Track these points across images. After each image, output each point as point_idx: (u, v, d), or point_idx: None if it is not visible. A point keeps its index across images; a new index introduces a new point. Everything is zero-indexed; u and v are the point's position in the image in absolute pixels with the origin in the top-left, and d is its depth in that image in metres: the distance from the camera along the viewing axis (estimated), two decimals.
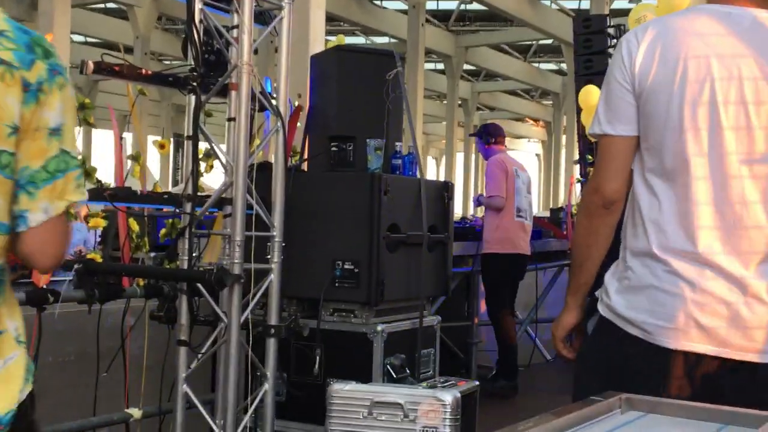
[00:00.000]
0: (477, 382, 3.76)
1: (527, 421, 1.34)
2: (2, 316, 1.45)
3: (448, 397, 3.15)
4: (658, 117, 1.81)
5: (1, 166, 1.39)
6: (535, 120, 38.23)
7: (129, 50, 20.69)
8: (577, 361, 2.03)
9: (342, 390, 3.24)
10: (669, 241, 1.80)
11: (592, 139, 2.34)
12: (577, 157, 8.89)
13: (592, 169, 6.50)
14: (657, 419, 1.47)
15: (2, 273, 1.46)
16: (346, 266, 3.65)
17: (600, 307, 1.93)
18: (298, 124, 4.28)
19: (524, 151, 46.65)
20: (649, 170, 1.85)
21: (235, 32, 3.40)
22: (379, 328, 3.63)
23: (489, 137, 6.04)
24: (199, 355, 3.42)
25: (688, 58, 1.78)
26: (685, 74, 1.78)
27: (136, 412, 3.51)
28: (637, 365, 1.80)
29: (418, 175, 3.97)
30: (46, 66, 1.44)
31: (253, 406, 3.43)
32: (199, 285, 3.33)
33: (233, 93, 3.35)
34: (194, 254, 3.39)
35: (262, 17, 3.67)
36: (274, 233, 3.45)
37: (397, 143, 3.96)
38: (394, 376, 3.63)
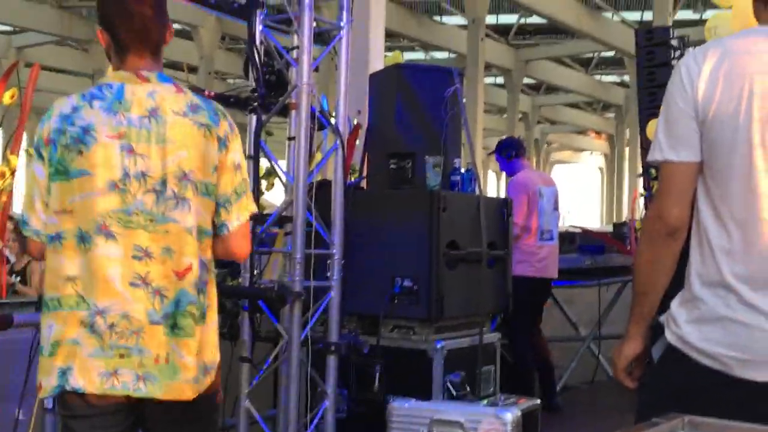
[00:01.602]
0: (538, 400, 3.72)
1: None
2: (213, 295, 2.13)
3: (509, 415, 3.12)
4: (725, 140, 1.77)
5: (209, 192, 2.09)
6: (598, 133, 37.76)
7: (193, 70, 21.15)
8: (642, 390, 1.98)
9: (401, 408, 3.24)
10: (742, 269, 1.76)
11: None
12: (640, 170, 8.75)
13: (656, 182, 6.37)
14: None
15: (210, 264, 2.13)
16: (405, 283, 3.66)
17: (668, 336, 1.88)
18: (357, 142, 4.32)
19: (586, 164, 46.12)
20: (716, 196, 1.81)
21: (295, 53, 3.46)
22: (439, 345, 3.62)
23: (510, 150, 5.65)
24: (261, 372, 3.46)
25: (754, 78, 1.75)
26: (751, 95, 1.74)
27: None
28: (713, 397, 1.75)
29: (477, 192, 3.96)
30: (227, 123, 2.14)
31: (314, 423, 3.45)
32: (261, 302, 3.38)
33: (293, 112, 3.41)
34: (256, 271, 3.44)
35: (322, 37, 3.72)
36: (334, 251, 3.48)
37: (455, 160, 3.96)
38: (454, 393, 3.62)
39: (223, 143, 2.10)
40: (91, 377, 1.98)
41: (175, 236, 2.03)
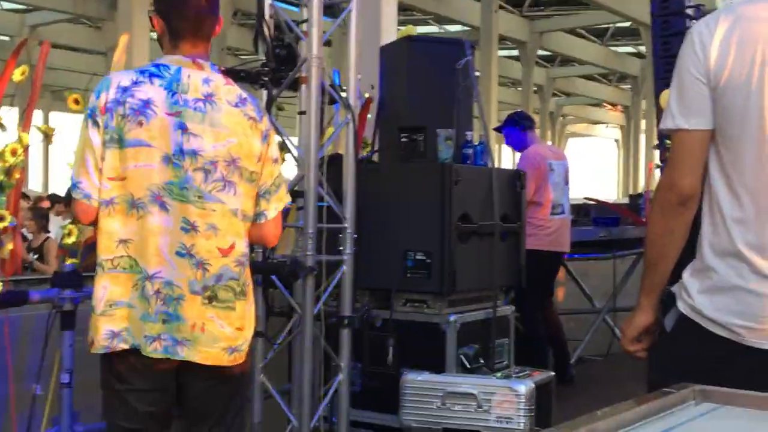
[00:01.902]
0: (552, 373, 3.73)
1: (601, 411, 1.33)
2: (249, 275, 2.29)
3: (522, 387, 3.14)
4: (737, 108, 1.75)
5: (252, 180, 2.26)
6: (613, 105, 37.47)
7: None
8: (653, 359, 1.97)
9: (415, 380, 3.25)
10: (754, 239, 1.74)
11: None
12: (656, 142, 8.68)
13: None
14: (732, 411, 1.44)
15: (247, 246, 2.29)
16: (417, 257, 3.65)
17: (681, 306, 1.87)
18: (369, 115, 4.30)
19: (602, 136, 45.82)
20: (728, 164, 1.79)
21: (304, 26, 3.44)
22: (452, 318, 3.62)
23: (522, 122, 5.58)
24: (275, 346, 3.48)
25: (766, 43, 1.72)
26: (764, 61, 1.72)
27: None
28: (725, 366, 1.76)
29: (489, 165, 3.94)
30: (267, 119, 2.36)
31: (329, 396, 3.48)
32: (274, 277, 3.39)
33: (303, 86, 3.39)
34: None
35: (332, 10, 3.70)
36: (346, 225, 3.48)
37: (467, 133, 3.93)
38: (468, 366, 3.62)
39: (265, 137, 2.29)
40: (141, 338, 2.13)
41: (221, 215, 2.19)
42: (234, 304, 2.22)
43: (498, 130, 5.88)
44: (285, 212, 3.88)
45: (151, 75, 2.18)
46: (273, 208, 2.34)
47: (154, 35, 2.39)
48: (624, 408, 1.37)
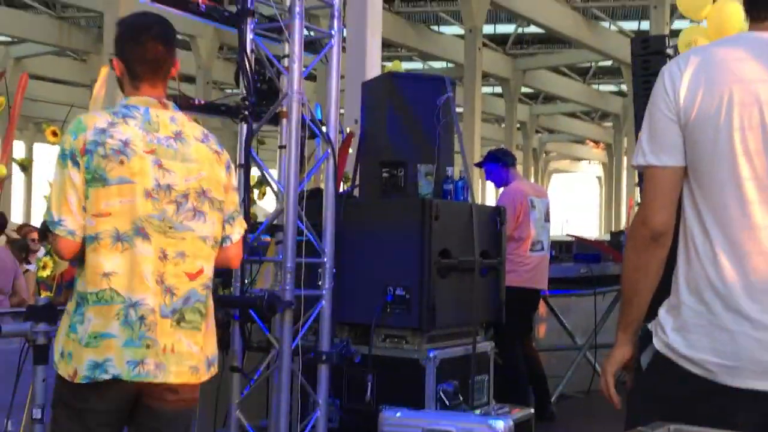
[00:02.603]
0: (532, 410, 3.71)
1: None
2: (210, 297, 2.42)
3: (501, 424, 3.11)
4: (707, 145, 1.77)
5: (220, 208, 2.44)
6: (596, 142, 37.80)
7: (191, 80, 21.16)
8: (630, 397, 1.97)
9: (393, 417, 3.22)
10: (728, 275, 1.74)
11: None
12: (638, 180, 8.75)
13: None
14: None
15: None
16: (397, 292, 3.64)
17: (656, 343, 1.87)
18: (350, 150, 4.31)
19: (585, 173, 46.16)
20: (700, 200, 1.80)
21: (286, 61, 3.45)
22: (431, 354, 3.60)
23: (505, 159, 5.57)
24: (252, 381, 3.45)
25: (733, 84, 1.74)
26: (731, 100, 1.74)
27: None
28: (699, 404, 1.75)
29: (470, 200, 3.94)
30: (226, 153, 2.52)
31: None
32: (252, 311, 3.36)
33: (284, 121, 3.40)
34: (247, 281, 3.43)
35: (314, 45, 3.72)
36: (325, 259, 3.47)
37: (448, 168, 3.95)
38: (447, 403, 3.59)
39: (227, 167, 2.50)
40: (122, 365, 2.23)
41: (190, 242, 2.35)
42: (200, 325, 2.36)
43: (479, 165, 5.89)
44: (263, 246, 3.89)
45: (125, 116, 2.34)
46: (236, 232, 2.53)
47: None
48: None
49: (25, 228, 8.40)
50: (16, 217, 23.04)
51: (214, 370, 2.42)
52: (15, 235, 7.48)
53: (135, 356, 2.23)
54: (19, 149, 27.68)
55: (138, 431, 2.40)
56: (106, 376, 2.21)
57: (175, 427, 2.42)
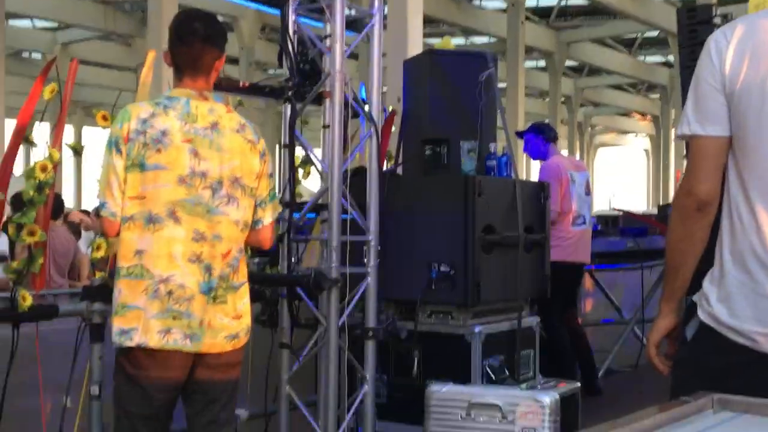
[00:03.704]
0: (578, 384, 3.72)
1: (618, 420, 1.34)
2: (244, 273, 2.66)
3: (547, 398, 3.13)
4: (751, 115, 1.76)
5: (252, 194, 2.64)
6: (642, 114, 37.20)
7: (234, 61, 21.29)
8: (675, 368, 1.97)
9: (439, 392, 3.26)
10: None
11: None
12: (686, 151, 8.61)
13: None
14: (751, 420, 1.44)
15: (243, 249, 2.67)
16: (442, 268, 3.67)
17: (701, 314, 1.88)
18: (393, 128, 4.33)
19: (631, 146, 45.49)
20: (745, 170, 1.80)
21: (328, 41, 3.48)
22: (477, 329, 3.63)
23: (542, 135, 5.57)
24: (300, 358, 3.51)
25: None
26: None
27: (242, 413, 3.61)
28: (743, 375, 1.75)
29: (513, 176, 3.94)
30: (263, 141, 2.71)
31: (354, 408, 3.49)
32: (299, 289, 3.42)
33: (327, 101, 3.43)
34: (294, 259, 3.49)
35: (356, 24, 3.73)
36: (370, 237, 3.50)
37: (491, 144, 3.95)
38: (493, 377, 3.62)
39: (262, 155, 2.67)
40: (152, 335, 2.45)
41: (225, 226, 2.56)
42: (226, 298, 2.56)
43: (519, 135, 5.89)
44: (309, 225, 3.94)
45: (165, 107, 2.53)
46: (269, 216, 2.72)
47: None
48: (642, 416, 1.37)
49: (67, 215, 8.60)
50: (67, 201, 23.50)
51: (246, 338, 2.64)
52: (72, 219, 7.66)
53: (164, 326, 2.46)
54: (68, 133, 28.16)
55: (186, 401, 2.64)
56: (131, 343, 2.45)
57: (220, 395, 2.63)
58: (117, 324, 2.48)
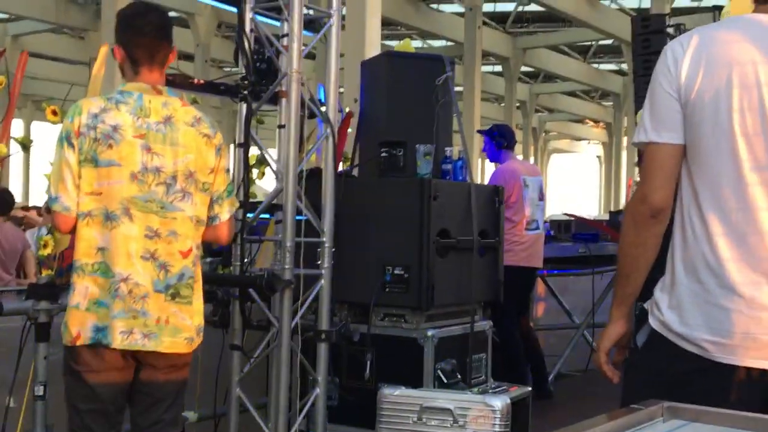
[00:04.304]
0: (529, 388, 3.73)
1: (568, 428, 1.34)
2: (199, 271, 2.62)
3: (498, 402, 3.13)
4: (705, 125, 1.78)
5: (206, 189, 2.60)
6: (596, 121, 37.71)
7: (190, 57, 21.07)
8: (626, 374, 1.99)
9: (391, 395, 3.24)
10: (723, 254, 1.76)
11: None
12: (637, 159, 8.75)
13: None
14: (700, 428, 1.45)
15: (200, 246, 2.65)
16: (396, 271, 3.66)
17: (651, 321, 1.89)
18: (350, 129, 4.31)
19: (584, 152, 46.08)
20: (697, 180, 1.82)
21: (285, 40, 3.44)
22: (430, 333, 3.62)
23: (502, 140, 5.59)
24: (252, 360, 3.47)
25: (734, 66, 1.75)
26: (731, 81, 1.75)
27: (192, 415, 3.57)
28: (694, 382, 1.77)
29: (469, 180, 3.95)
30: (220, 134, 2.65)
31: (305, 410, 3.46)
32: (251, 290, 3.38)
33: (283, 100, 3.40)
34: (247, 260, 3.45)
35: (313, 25, 3.71)
36: (324, 239, 3.48)
37: (447, 148, 3.95)
38: (445, 381, 3.62)
39: (218, 150, 2.64)
40: (114, 335, 2.44)
41: (180, 222, 2.53)
42: (191, 299, 2.56)
43: (482, 133, 5.86)
44: (263, 225, 3.91)
45: (117, 102, 2.51)
46: (225, 212, 2.71)
47: None
48: (592, 424, 1.37)
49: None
50: (15, 197, 23.01)
51: (200, 339, 2.63)
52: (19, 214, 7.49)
53: (126, 326, 2.45)
54: (17, 127, 27.61)
55: (133, 398, 2.61)
56: (106, 341, 2.44)
57: (166, 396, 2.62)
58: (90, 320, 2.45)
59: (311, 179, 3.54)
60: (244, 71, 3.41)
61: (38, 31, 22.46)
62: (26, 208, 9.25)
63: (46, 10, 20.46)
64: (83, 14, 20.66)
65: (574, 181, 46.40)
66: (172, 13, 22.38)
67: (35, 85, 25.09)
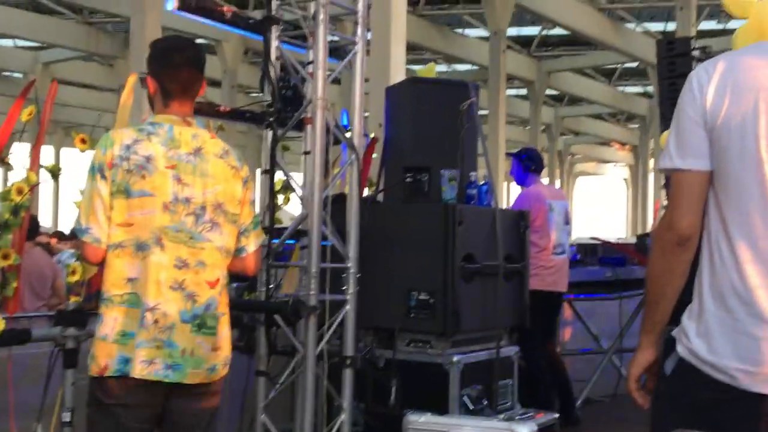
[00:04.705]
0: (556, 414, 3.70)
1: None
2: (226, 301, 2.61)
3: (525, 429, 3.11)
4: (732, 151, 1.77)
5: (234, 221, 2.62)
6: (622, 144, 37.52)
7: (217, 84, 21.30)
8: (654, 402, 1.97)
9: (417, 421, 3.23)
10: (752, 282, 1.75)
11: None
12: (664, 183, 8.69)
13: None
14: None
15: (227, 278, 2.64)
16: (421, 297, 3.65)
17: (680, 349, 1.87)
18: (374, 155, 4.33)
19: (611, 175, 45.83)
20: (725, 206, 1.80)
21: (310, 68, 3.48)
22: (455, 358, 3.61)
23: (530, 163, 5.57)
24: (277, 385, 3.47)
25: (760, 92, 1.74)
26: (757, 107, 1.74)
27: None
28: (722, 411, 1.75)
29: (494, 205, 3.95)
30: (247, 168, 2.68)
31: None
32: (277, 316, 3.39)
33: (309, 127, 3.42)
34: (272, 286, 3.46)
35: (338, 52, 3.74)
36: (349, 264, 3.49)
37: (471, 173, 3.95)
38: (471, 407, 3.60)
39: (245, 182, 2.66)
40: (135, 364, 2.41)
41: (209, 252, 2.54)
42: (217, 329, 2.55)
43: (510, 155, 5.84)
44: (289, 251, 3.92)
45: (149, 133, 2.52)
46: (252, 244, 2.71)
47: None
48: None
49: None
50: (44, 223, 23.30)
51: (226, 370, 2.60)
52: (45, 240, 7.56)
53: (148, 356, 2.42)
54: (47, 153, 28.01)
55: (164, 426, 2.56)
56: (126, 371, 2.41)
57: (197, 424, 2.58)
58: (119, 352, 2.43)
59: (336, 205, 3.56)
60: (270, 98, 3.44)
61: (68, 58, 22.83)
62: (57, 234, 9.35)
63: (76, 39, 20.82)
64: (113, 42, 20.98)
65: (600, 203, 46.11)
66: (199, 40, 22.68)
67: (65, 112, 25.47)
